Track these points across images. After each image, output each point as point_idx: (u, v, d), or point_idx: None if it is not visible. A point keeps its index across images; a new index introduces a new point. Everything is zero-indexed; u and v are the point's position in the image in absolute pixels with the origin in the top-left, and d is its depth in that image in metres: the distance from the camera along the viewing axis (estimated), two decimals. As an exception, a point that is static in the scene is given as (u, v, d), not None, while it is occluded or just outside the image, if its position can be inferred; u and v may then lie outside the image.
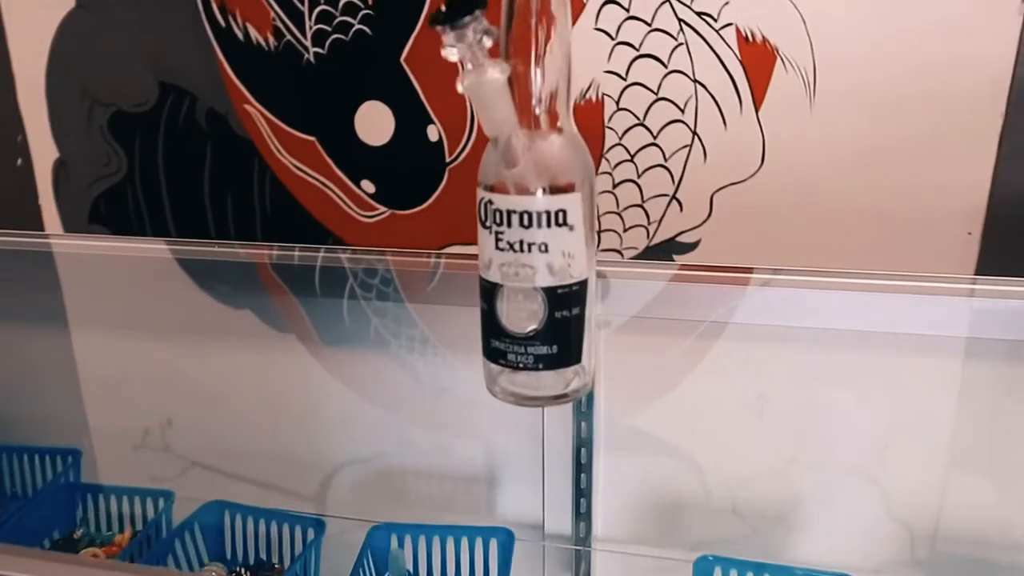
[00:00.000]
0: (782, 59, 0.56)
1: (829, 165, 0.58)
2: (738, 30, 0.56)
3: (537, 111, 0.39)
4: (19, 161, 0.74)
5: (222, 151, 0.69)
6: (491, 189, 0.38)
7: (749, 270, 0.59)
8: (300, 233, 0.69)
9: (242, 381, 0.78)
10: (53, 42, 0.69)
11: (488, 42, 0.35)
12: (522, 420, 0.70)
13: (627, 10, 0.57)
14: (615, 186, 0.62)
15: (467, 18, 0.33)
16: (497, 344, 0.40)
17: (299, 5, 0.62)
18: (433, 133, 0.64)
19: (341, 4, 0.62)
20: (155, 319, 0.78)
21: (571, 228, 0.38)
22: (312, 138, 0.66)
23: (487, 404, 0.44)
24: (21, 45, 0.70)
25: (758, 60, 0.56)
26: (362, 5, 0.61)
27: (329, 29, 0.63)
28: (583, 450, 0.68)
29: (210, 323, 0.76)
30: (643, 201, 0.62)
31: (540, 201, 0.38)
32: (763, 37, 0.56)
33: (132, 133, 0.70)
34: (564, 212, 0.38)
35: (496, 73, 0.35)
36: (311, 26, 0.63)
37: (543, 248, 0.38)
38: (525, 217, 0.37)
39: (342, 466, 0.77)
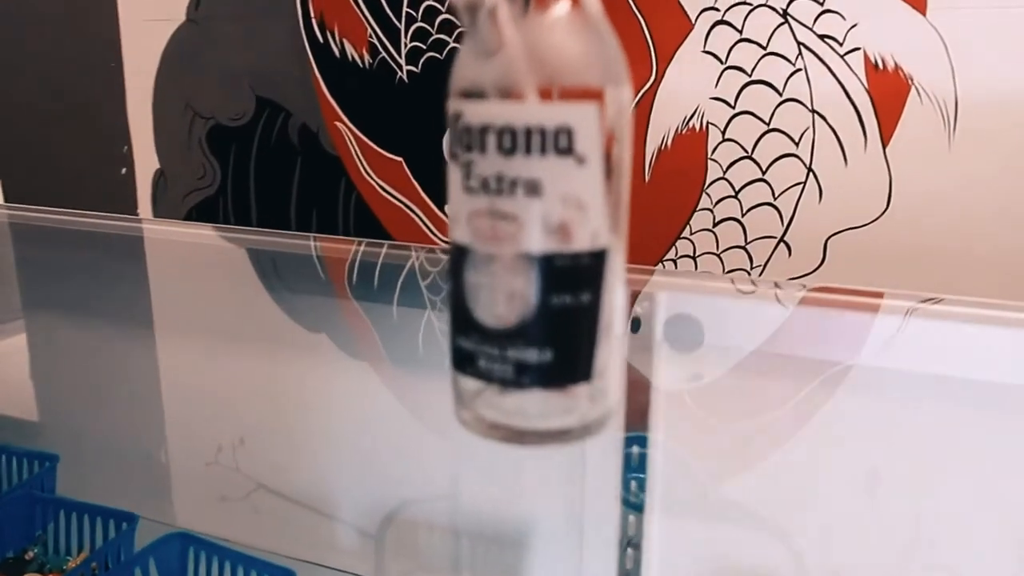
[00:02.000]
0: (918, 89, 0.49)
1: (969, 211, 0.50)
2: (866, 56, 0.50)
3: None
4: (123, 170, 0.76)
5: (311, 168, 0.68)
6: (464, 95, 0.25)
7: (880, 294, 0.51)
8: (380, 256, 0.67)
9: (313, 405, 0.76)
10: (163, 55, 0.71)
11: None
12: (559, 472, 0.62)
13: (740, 31, 0.52)
14: (715, 224, 0.56)
15: None
16: (464, 343, 0.27)
17: (396, 22, 0.61)
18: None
19: (437, 22, 0.60)
20: (236, 338, 0.78)
21: (580, 160, 0.24)
22: (400, 158, 0.65)
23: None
24: (134, 58, 0.72)
25: (889, 90, 0.50)
26: (458, 23, 0.59)
27: (424, 47, 0.61)
28: (632, 518, 0.57)
29: (287, 344, 0.75)
30: (746, 243, 0.56)
31: (531, 111, 0.24)
32: (896, 64, 0.50)
33: (227, 147, 0.71)
34: (569, 132, 0.24)
35: None
36: (406, 44, 0.61)
37: (533, 189, 0.24)
38: (507, 136, 0.24)
39: (384, 508, 0.73)
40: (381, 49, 0.62)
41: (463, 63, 0.26)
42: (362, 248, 0.68)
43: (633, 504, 0.57)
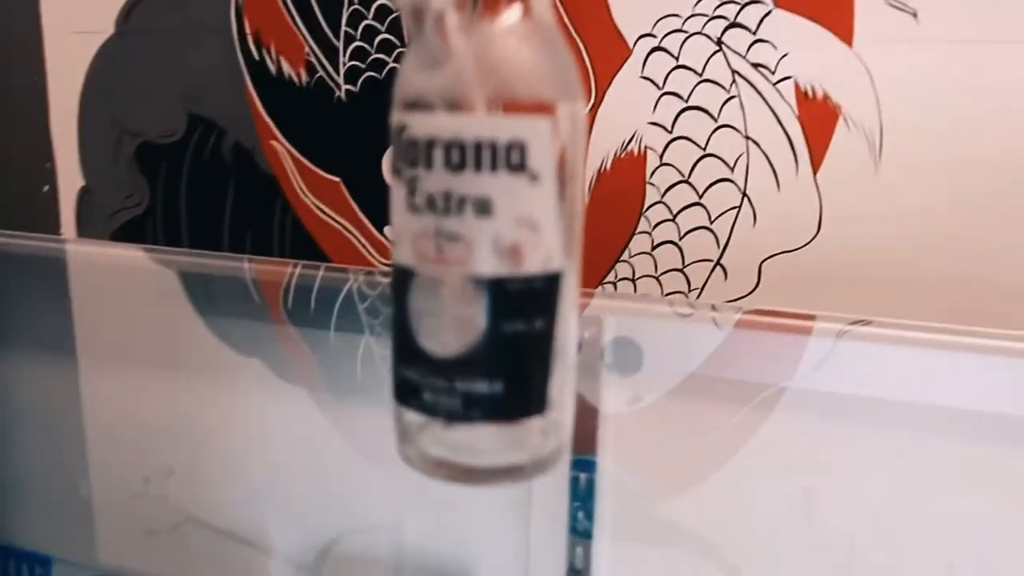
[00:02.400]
0: (845, 118, 0.51)
1: (896, 234, 0.52)
2: (797, 85, 0.52)
3: None
4: (46, 188, 0.73)
5: (246, 188, 0.66)
6: (408, 106, 0.24)
7: (812, 317, 0.53)
8: (317, 278, 0.66)
9: (246, 433, 0.73)
10: (89, 69, 0.68)
11: None
12: (504, 500, 0.61)
13: (676, 58, 0.53)
14: (654, 248, 0.57)
15: None
16: (407, 374, 0.25)
17: (334, 40, 0.60)
18: (462, 180, 0.60)
19: (376, 41, 0.60)
20: (164, 363, 0.75)
21: (533, 178, 0.23)
22: (337, 179, 0.63)
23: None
24: (59, 71, 0.69)
25: (818, 118, 0.52)
26: (398, 43, 0.59)
27: (363, 66, 0.60)
28: (579, 550, 0.56)
29: (219, 370, 0.72)
30: (684, 266, 0.57)
31: (481, 124, 0.23)
32: (825, 93, 0.51)
33: (157, 165, 0.68)
34: (522, 147, 0.23)
35: None
36: (344, 62, 0.61)
37: (483, 208, 0.23)
38: (455, 151, 0.23)
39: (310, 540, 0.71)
40: (319, 67, 0.61)
41: (408, 72, 0.24)
42: (298, 271, 0.66)
43: (580, 531, 0.57)
